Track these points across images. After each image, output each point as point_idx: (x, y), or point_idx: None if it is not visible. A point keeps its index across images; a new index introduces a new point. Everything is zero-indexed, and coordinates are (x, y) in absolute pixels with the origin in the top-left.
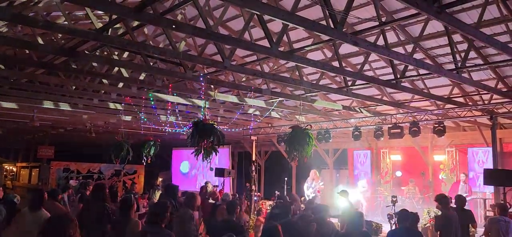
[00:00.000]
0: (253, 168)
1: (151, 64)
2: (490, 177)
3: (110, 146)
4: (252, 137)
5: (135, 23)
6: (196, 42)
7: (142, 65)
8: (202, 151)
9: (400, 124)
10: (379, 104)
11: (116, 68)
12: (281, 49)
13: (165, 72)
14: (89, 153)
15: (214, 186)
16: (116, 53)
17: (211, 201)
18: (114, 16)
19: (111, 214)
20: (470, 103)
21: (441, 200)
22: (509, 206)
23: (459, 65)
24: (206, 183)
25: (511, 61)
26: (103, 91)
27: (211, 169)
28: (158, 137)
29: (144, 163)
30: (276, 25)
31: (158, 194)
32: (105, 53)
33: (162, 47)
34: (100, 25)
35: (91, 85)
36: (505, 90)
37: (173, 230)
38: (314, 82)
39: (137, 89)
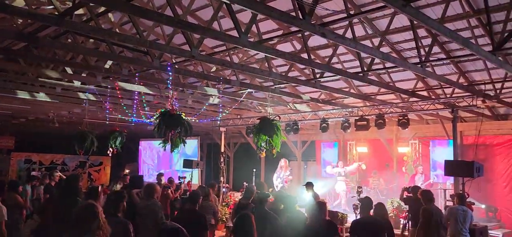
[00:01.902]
0: (222, 160)
1: (117, 52)
2: (451, 168)
3: (74, 137)
4: (221, 129)
5: (100, 9)
6: (164, 31)
7: (108, 53)
8: (169, 142)
9: (366, 117)
10: (347, 96)
11: (81, 56)
12: (251, 40)
13: (132, 61)
14: (53, 144)
15: (181, 177)
16: (81, 41)
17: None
18: (77, 0)
19: None
20: (433, 97)
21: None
22: (467, 196)
23: (423, 59)
24: (160, 175)
25: (472, 56)
26: (66, 80)
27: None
28: (125, 127)
29: (110, 155)
30: (245, 16)
31: (119, 186)
32: (69, 40)
33: (128, 35)
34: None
35: (54, 73)
36: (466, 84)
37: (143, 222)
38: (283, 74)
39: (102, 78)
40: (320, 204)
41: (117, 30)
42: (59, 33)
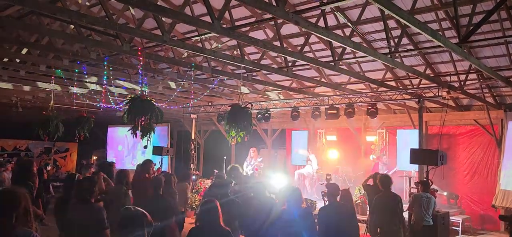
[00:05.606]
0: (192, 147)
1: (85, 35)
2: (416, 156)
3: (38, 122)
4: (192, 115)
5: None
6: (135, 15)
7: (75, 36)
8: (139, 129)
9: (336, 106)
10: (318, 85)
11: (47, 38)
12: (224, 26)
13: (101, 44)
14: (16, 129)
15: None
16: (46, 22)
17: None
18: None
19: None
20: (400, 87)
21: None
22: (431, 183)
23: (393, 49)
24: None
25: (439, 48)
26: (31, 63)
27: (145, 147)
28: (93, 113)
29: (77, 141)
30: (218, 2)
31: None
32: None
33: (97, 17)
34: None
35: (18, 55)
36: (433, 75)
37: (108, 209)
38: (256, 61)
39: (69, 62)
40: (298, 191)
41: (85, 12)
42: (23, 13)
